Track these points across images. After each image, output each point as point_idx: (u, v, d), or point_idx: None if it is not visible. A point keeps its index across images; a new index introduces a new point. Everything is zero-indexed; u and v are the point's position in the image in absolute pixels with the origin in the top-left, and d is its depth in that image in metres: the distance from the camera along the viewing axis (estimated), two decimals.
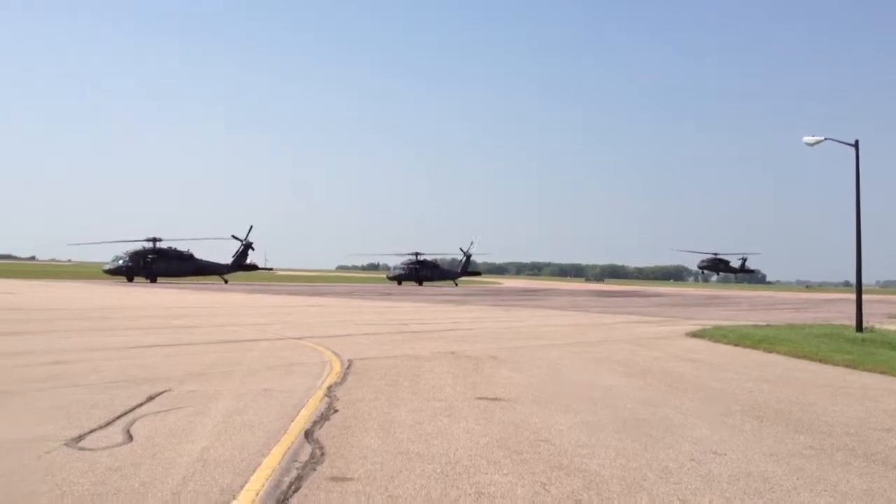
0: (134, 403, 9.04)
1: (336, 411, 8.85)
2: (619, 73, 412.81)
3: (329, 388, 10.50)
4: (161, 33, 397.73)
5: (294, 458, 6.70)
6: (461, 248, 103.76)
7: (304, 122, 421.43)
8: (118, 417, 8.24)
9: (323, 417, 8.47)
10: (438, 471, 6.43)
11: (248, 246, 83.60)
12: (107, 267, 74.53)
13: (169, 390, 10.05)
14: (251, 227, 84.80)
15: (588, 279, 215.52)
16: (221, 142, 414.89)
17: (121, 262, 73.59)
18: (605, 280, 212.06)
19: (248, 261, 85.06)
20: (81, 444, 7.07)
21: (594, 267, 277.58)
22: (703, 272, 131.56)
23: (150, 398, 9.43)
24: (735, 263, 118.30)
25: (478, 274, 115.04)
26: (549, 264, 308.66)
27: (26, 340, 16.41)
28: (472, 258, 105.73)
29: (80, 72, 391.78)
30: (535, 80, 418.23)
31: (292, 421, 8.21)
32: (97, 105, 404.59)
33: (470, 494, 5.82)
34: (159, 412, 8.63)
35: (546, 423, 8.59)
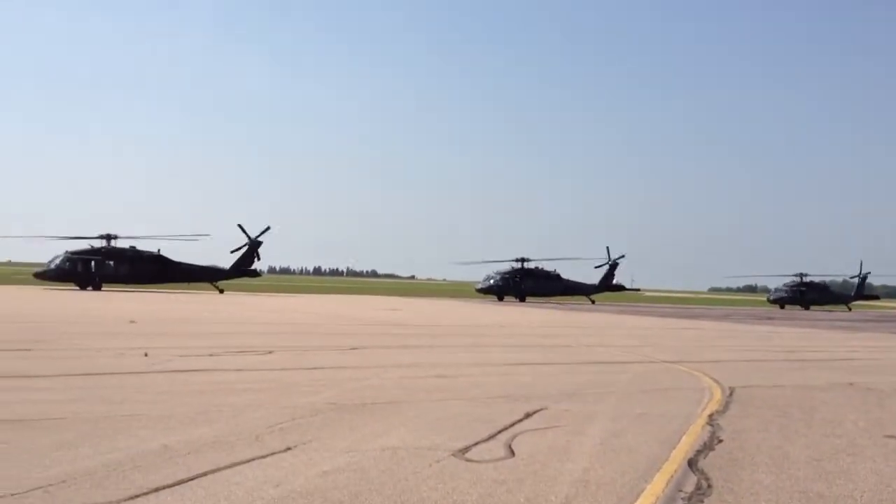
0: (513, 419, 9.21)
1: (720, 441, 8.37)
2: None
3: (710, 415, 10.00)
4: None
5: (678, 488, 6.38)
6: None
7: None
8: (499, 432, 8.42)
9: (706, 447, 8.04)
10: None
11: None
12: (479, 286, 78.29)
13: (545, 408, 10.14)
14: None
15: None
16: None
17: (492, 281, 76.93)
18: None
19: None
20: (467, 455, 7.28)
21: None
22: None
23: (528, 415, 9.57)
24: None
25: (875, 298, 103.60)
26: None
27: (414, 354, 17.56)
28: None
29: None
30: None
31: (673, 448, 7.88)
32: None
33: None
34: (538, 429, 8.71)
35: None
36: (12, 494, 5.53)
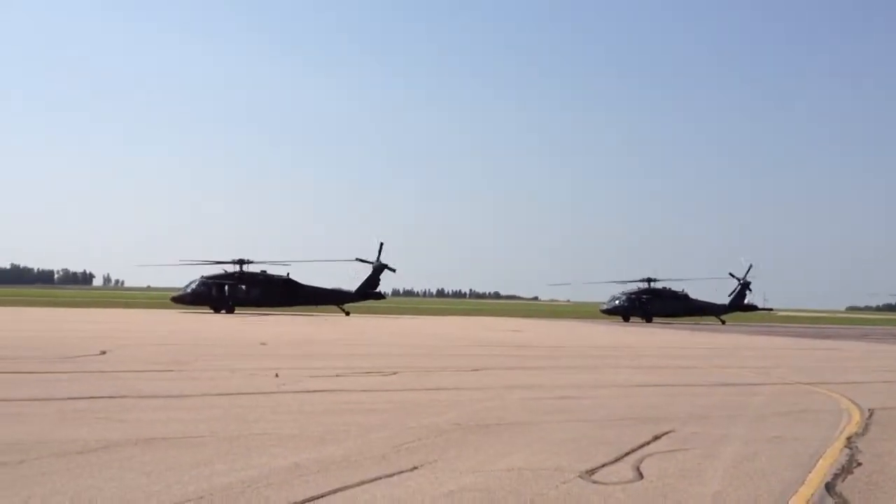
0: (641, 441, 9.07)
1: (859, 464, 8.04)
2: None
3: (849, 438, 9.61)
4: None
5: None
6: None
7: None
8: (627, 454, 8.31)
9: (844, 470, 7.73)
10: None
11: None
12: (604, 307, 77.29)
13: (674, 430, 9.95)
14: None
15: None
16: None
17: (617, 301, 75.81)
18: None
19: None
20: (594, 477, 7.21)
21: None
22: None
23: (656, 437, 9.40)
24: None
25: None
26: None
27: (537, 375, 17.50)
28: None
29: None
30: None
31: (809, 472, 7.61)
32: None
33: None
34: (666, 452, 8.55)
35: None
36: None
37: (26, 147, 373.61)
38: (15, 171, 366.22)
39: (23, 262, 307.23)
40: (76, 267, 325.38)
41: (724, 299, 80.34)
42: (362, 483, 6.69)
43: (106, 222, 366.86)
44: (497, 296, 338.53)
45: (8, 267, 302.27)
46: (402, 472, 7.16)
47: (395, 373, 16.53)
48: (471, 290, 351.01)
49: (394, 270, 72.11)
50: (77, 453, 7.55)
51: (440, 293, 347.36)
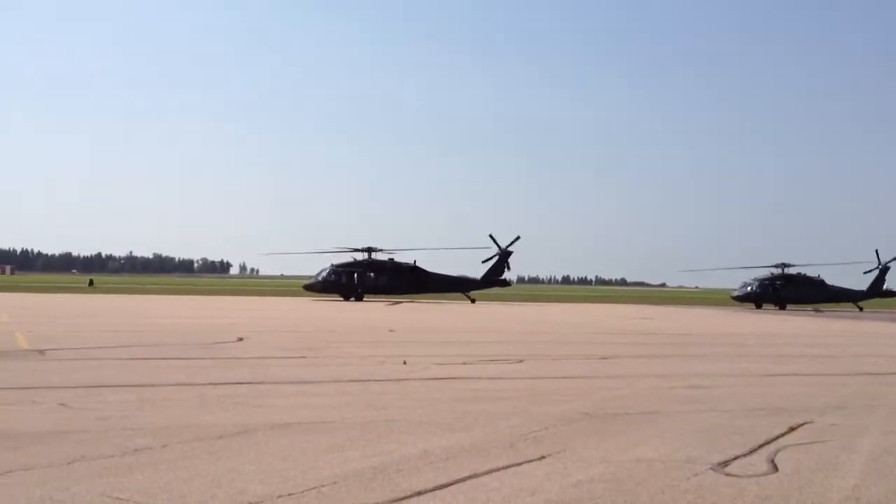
0: (775, 433, 8.83)
1: None
2: None
3: None
4: None
5: None
6: None
7: None
8: (761, 446, 8.11)
9: None
10: None
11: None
12: (735, 293, 75.16)
13: (810, 422, 9.65)
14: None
15: None
16: None
17: (749, 288, 73.58)
18: None
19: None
20: (727, 469, 7.08)
21: None
22: None
23: (792, 429, 9.14)
24: None
25: None
26: None
27: (667, 363, 17.23)
28: None
29: None
30: None
31: None
32: None
33: None
34: (801, 444, 8.31)
35: None
36: (289, 494, 6.01)
37: (165, 144, 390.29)
38: (157, 167, 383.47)
39: (165, 252, 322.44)
40: (214, 256, 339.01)
41: (861, 285, 76.96)
42: (490, 471, 6.76)
43: (242, 214, 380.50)
44: (623, 282, 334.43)
45: (150, 256, 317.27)
46: (530, 460, 7.20)
47: (521, 360, 16.56)
48: (597, 276, 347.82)
49: (509, 269, 72.02)
50: (217, 437, 7.89)
51: (566, 280, 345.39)
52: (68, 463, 6.70)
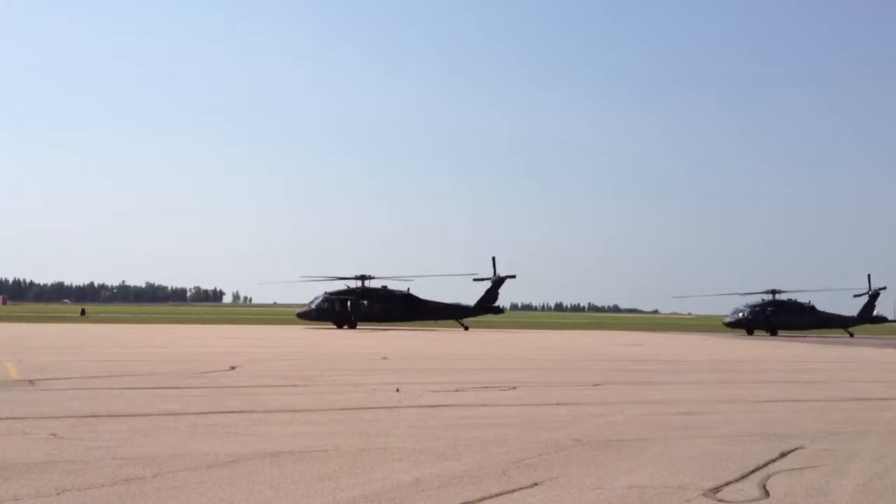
0: (767, 458, 8.87)
1: None
2: None
3: None
4: None
5: None
6: None
7: None
8: (752, 471, 8.14)
9: None
10: None
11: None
12: (727, 319, 75.20)
13: (801, 447, 9.68)
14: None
15: None
16: None
17: (741, 314, 73.61)
18: None
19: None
20: (719, 495, 7.10)
21: None
22: None
23: (783, 454, 9.17)
24: None
25: None
26: None
27: (659, 390, 17.24)
28: None
29: None
30: None
31: None
32: None
33: None
34: (793, 469, 8.34)
35: None
36: None
37: (156, 171, 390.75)
38: (149, 196, 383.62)
39: (157, 281, 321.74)
40: (207, 285, 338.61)
41: (851, 311, 77.14)
42: (483, 499, 6.76)
43: (235, 242, 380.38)
44: (616, 309, 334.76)
45: (143, 286, 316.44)
46: (522, 488, 7.21)
47: (514, 387, 16.55)
48: (589, 303, 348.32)
49: (514, 276, 72.09)
50: (208, 467, 7.88)
51: (558, 307, 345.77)
52: (58, 493, 6.68)
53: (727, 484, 7.53)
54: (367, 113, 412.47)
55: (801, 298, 75.47)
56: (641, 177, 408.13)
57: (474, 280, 70.29)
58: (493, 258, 70.71)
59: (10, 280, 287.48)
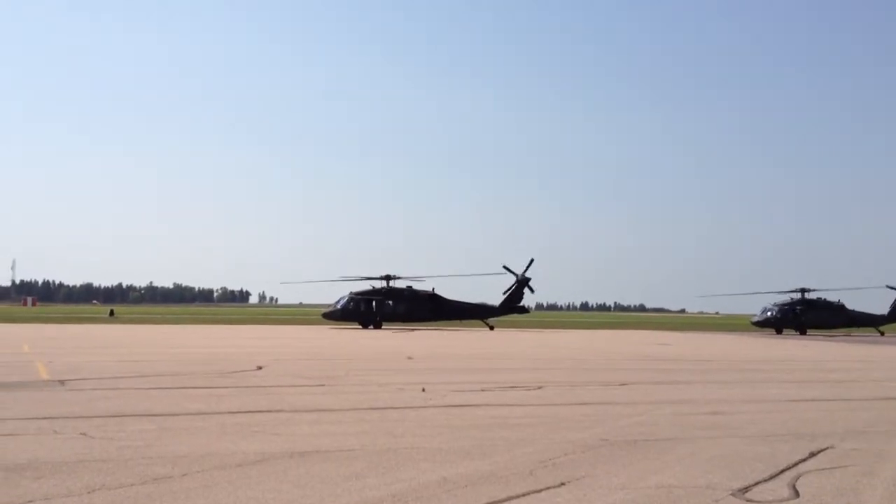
0: (796, 458, 8.79)
1: None
2: None
3: None
4: None
5: None
6: None
7: None
8: (782, 471, 8.07)
9: None
10: None
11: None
12: (755, 319, 74.66)
13: (831, 447, 9.60)
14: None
15: None
16: None
17: (769, 313, 73.02)
18: None
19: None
20: (748, 495, 7.05)
21: None
22: None
23: (812, 454, 9.09)
24: None
25: None
26: None
27: (686, 389, 17.14)
28: None
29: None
30: None
31: None
32: None
33: None
34: (823, 469, 8.27)
35: None
36: None
37: (184, 175, 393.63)
38: (176, 197, 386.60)
39: (185, 282, 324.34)
40: (234, 285, 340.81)
41: (882, 310, 76.18)
42: (510, 498, 6.75)
43: (262, 243, 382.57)
44: (643, 308, 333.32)
45: (171, 286, 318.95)
46: (549, 487, 7.19)
47: (540, 387, 16.52)
48: (615, 302, 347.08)
49: (533, 291, 71.84)
50: (237, 466, 7.93)
51: (584, 306, 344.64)
52: (89, 492, 6.74)
53: (756, 484, 7.48)
54: (383, 115, 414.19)
55: (831, 297, 74.74)
56: (667, 175, 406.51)
57: (504, 294, 70.06)
58: (532, 260, 70.53)
59: (40, 281, 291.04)
